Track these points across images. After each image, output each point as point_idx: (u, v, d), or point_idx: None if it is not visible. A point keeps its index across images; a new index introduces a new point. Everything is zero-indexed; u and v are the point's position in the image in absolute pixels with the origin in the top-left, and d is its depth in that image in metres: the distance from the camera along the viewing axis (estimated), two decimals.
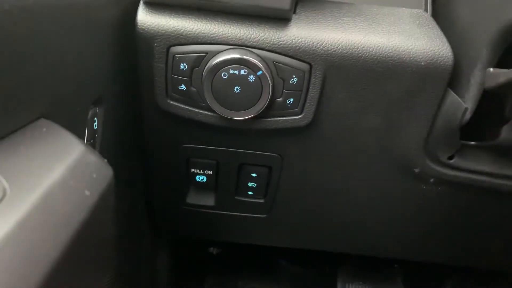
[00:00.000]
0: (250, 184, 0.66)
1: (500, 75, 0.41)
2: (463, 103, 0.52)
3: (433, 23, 0.55)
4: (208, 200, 0.69)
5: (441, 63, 0.50)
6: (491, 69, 0.43)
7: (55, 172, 0.24)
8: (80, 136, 0.39)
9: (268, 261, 1.19)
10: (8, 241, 0.20)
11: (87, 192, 0.25)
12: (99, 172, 0.27)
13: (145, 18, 0.49)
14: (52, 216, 0.23)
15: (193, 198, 0.69)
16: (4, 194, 0.22)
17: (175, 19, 0.49)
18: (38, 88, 0.30)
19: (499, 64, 0.48)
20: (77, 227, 0.24)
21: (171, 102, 0.54)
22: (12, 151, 0.24)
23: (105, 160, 0.29)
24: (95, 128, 0.42)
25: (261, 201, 0.68)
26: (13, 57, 0.28)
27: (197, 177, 0.65)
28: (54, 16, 0.33)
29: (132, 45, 0.50)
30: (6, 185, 0.22)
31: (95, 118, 0.42)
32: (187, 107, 0.54)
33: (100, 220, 0.27)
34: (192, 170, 0.64)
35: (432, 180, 0.62)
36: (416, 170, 0.60)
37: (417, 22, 0.54)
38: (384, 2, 0.59)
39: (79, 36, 0.38)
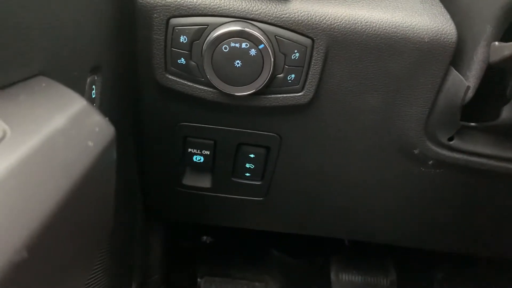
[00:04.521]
0: (247, 165, 0.65)
1: (505, 48, 0.41)
2: (465, 81, 0.51)
3: (436, 0, 0.54)
4: (205, 181, 0.68)
5: (445, 39, 0.50)
6: (496, 43, 0.43)
7: (56, 120, 0.23)
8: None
9: (261, 251, 1.18)
10: (7, 179, 0.19)
11: (90, 143, 0.24)
12: (101, 127, 0.26)
13: None
14: (53, 160, 0.21)
15: (189, 180, 0.68)
16: (4, 135, 0.20)
17: None
18: (35, 44, 0.29)
19: (503, 40, 0.48)
20: (80, 175, 0.23)
21: (170, 76, 0.52)
22: (12, 100, 0.23)
23: (107, 118, 0.28)
24: (93, 96, 0.41)
25: (258, 183, 0.67)
26: (10, 12, 0.26)
27: (194, 157, 0.63)
28: None
29: (132, 16, 0.49)
30: (6, 127, 0.21)
31: (93, 87, 0.41)
32: (186, 82, 0.53)
33: (103, 174, 0.26)
34: (189, 150, 0.63)
35: (431, 162, 0.62)
36: (416, 151, 0.60)
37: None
38: None
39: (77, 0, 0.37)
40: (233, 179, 0.67)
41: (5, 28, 0.26)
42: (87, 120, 0.25)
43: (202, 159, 0.64)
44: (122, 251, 0.65)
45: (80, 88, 0.39)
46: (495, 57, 0.43)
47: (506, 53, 0.41)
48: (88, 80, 0.40)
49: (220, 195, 0.70)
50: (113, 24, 0.45)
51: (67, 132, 0.23)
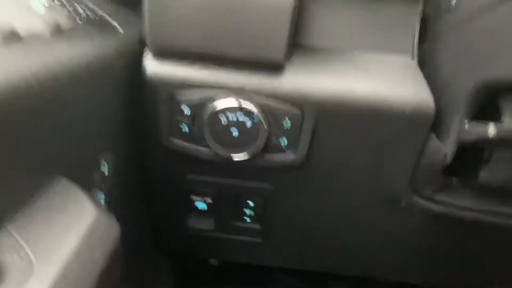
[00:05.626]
0: (247, 212, 0.70)
1: (472, 133, 0.45)
2: (443, 148, 0.55)
3: (418, 72, 0.58)
4: (208, 224, 0.74)
5: (424, 111, 0.54)
6: (467, 126, 0.47)
7: (71, 242, 0.28)
8: (90, 181, 0.44)
9: (267, 274, 1.22)
10: None
11: (98, 256, 0.30)
12: (108, 233, 0.31)
13: (153, 66, 0.54)
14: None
15: (193, 222, 0.74)
16: (32, 269, 0.26)
17: (180, 67, 0.54)
18: (52, 148, 0.35)
19: (482, 112, 0.51)
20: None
21: (174, 141, 0.58)
22: (34, 218, 0.29)
23: (114, 217, 0.34)
24: (106, 174, 0.47)
25: (258, 227, 0.73)
26: (33, 122, 0.32)
27: (198, 204, 0.69)
28: (72, 83, 0.38)
29: (136, 91, 0.55)
30: (33, 259, 0.26)
31: (105, 164, 0.47)
32: (189, 145, 0.58)
33: (108, 279, 0.32)
34: (193, 198, 0.69)
35: (417, 212, 0.66)
36: (403, 204, 0.64)
37: (403, 71, 0.58)
38: (374, 47, 0.62)
39: (93, 94, 0.43)
40: (234, 223, 0.73)
41: (31, 142, 0.32)
42: (96, 233, 0.31)
43: (205, 207, 0.69)
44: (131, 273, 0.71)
45: (93, 167, 0.45)
46: (464, 138, 0.47)
47: (472, 137, 0.45)
48: (102, 160, 0.46)
49: (223, 235, 0.76)
50: (122, 104, 0.51)
51: (81, 254, 0.28)
